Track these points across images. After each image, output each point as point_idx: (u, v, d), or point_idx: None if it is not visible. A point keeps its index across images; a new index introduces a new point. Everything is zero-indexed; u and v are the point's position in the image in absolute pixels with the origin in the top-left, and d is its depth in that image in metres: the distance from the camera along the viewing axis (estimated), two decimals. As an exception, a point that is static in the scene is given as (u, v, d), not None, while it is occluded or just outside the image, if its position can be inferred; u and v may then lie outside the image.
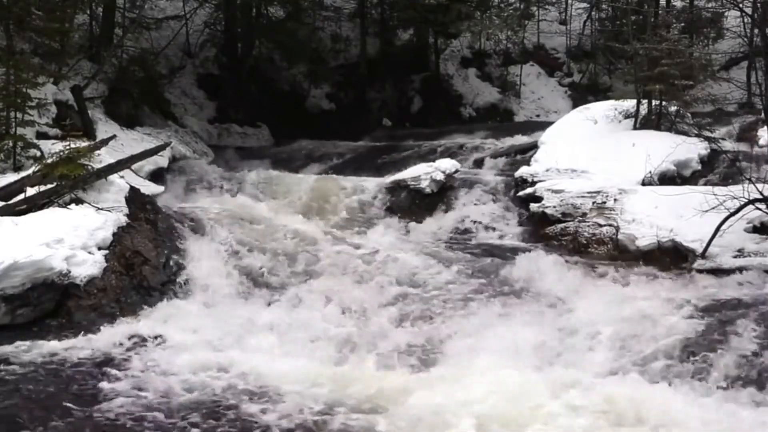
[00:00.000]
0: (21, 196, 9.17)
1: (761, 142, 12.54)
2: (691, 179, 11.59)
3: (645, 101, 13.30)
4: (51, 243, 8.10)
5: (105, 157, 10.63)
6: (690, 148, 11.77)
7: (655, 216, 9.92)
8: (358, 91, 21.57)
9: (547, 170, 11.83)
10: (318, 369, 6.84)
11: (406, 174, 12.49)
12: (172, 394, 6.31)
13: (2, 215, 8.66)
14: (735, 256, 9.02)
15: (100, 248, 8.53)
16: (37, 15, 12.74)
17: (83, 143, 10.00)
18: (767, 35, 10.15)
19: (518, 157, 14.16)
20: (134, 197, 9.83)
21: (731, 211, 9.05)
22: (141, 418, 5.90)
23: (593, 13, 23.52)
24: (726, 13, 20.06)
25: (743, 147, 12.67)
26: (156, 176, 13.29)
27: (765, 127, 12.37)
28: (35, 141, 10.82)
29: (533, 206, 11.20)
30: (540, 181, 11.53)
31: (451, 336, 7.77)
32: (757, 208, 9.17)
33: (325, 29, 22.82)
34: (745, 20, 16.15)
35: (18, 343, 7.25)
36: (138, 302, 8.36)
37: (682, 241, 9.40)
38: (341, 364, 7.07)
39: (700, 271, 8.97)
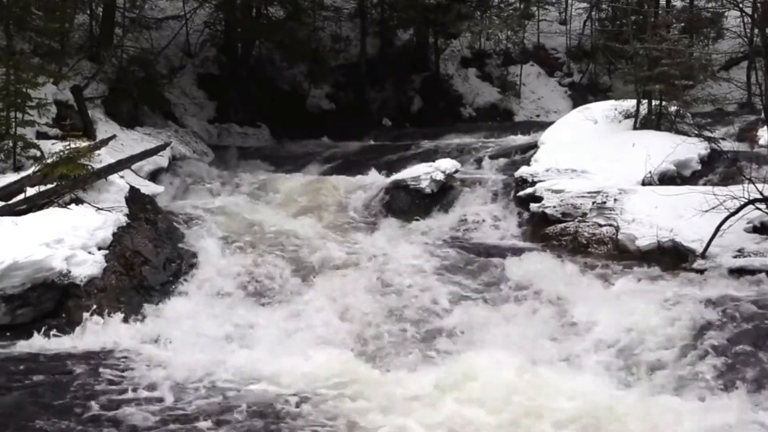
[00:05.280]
0: (21, 196, 9.17)
1: (761, 142, 12.54)
2: (691, 179, 11.58)
3: (645, 101, 13.30)
4: (51, 243, 8.10)
5: (105, 157, 10.63)
6: (690, 148, 11.76)
7: (655, 216, 9.92)
8: (358, 91, 21.57)
9: (547, 170, 11.81)
10: (319, 367, 6.85)
11: (406, 174, 12.49)
12: (171, 394, 6.31)
13: (2, 215, 8.66)
14: (735, 256, 9.01)
15: (100, 248, 8.53)
16: (37, 15, 12.73)
17: (83, 143, 9.99)
18: (767, 35, 10.15)
19: (518, 157, 14.15)
20: (134, 197, 9.84)
21: (731, 211, 9.04)
22: (141, 417, 5.91)
23: (593, 13, 23.52)
24: (726, 13, 20.07)
25: (743, 147, 12.69)
26: (156, 176, 13.29)
27: (765, 127, 12.37)
28: (35, 141, 10.82)
29: (533, 206, 11.19)
30: (540, 181, 11.53)
31: (450, 335, 7.78)
32: (757, 208, 9.17)
33: (325, 29, 22.82)
34: (745, 20, 16.17)
35: (18, 343, 7.26)
36: (138, 302, 8.36)
37: (682, 241, 9.39)
38: (341, 362, 7.07)
39: (700, 271, 8.96)
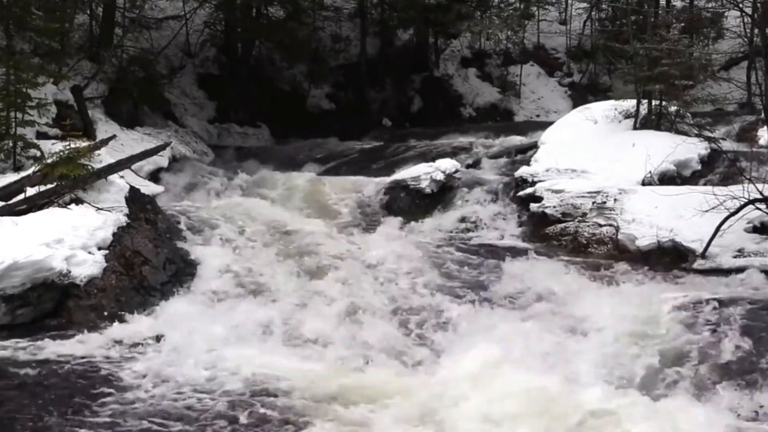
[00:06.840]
0: (21, 196, 9.16)
1: (761, 142, 12.56)
2: (691, 179, 11.59)
3: (645, 101, 13.31)
4: (51, 243, 8.09)
5: (105, 157, 10.61)
6: (690, 148, 11.77)
7: (655, 216, 9.93)
8: (358, 91, 21.58)
9: (547, 170, 11.82)
10: (320, 368, 6.85)
11: (406, 174, 12.51)
12: (172, 394, 6.32)
13: (2, 215, 8.65)
14: (735, 256, 9.02)
15: (100, 248, 8.51)
16: (37, 15, 12.74)
17: (83, 143, 9.98)
18: (767, 35, 10.15)
19: (518, 157, 14.17)
20: (134, 197, 9.83)
21: (731, 211, 9.05)
22: (141, 418, 5.91)
23: (593, 13, 23.54)
24: (726, 13, 20.09)
25: (743, 147, 12.69)
26: (156, 176, 13.30)
27: (765, 127, 12.39)
28: (35, 141, 10.81)
29: (533, 206, 11.20)
30: (540, 181, 11.53)
31: (450, 335, 7.77)
32: (757, 208, 9.18)
33: (325, 29, 22.83)
34: (745, 20, 16.18)
35: (18, 343, 7.25)
36: (138, 302, 8.35)
37: (682, 241, 9.40)
38: (342, 362, 7.08)
39: (700, 271, 8.97)
